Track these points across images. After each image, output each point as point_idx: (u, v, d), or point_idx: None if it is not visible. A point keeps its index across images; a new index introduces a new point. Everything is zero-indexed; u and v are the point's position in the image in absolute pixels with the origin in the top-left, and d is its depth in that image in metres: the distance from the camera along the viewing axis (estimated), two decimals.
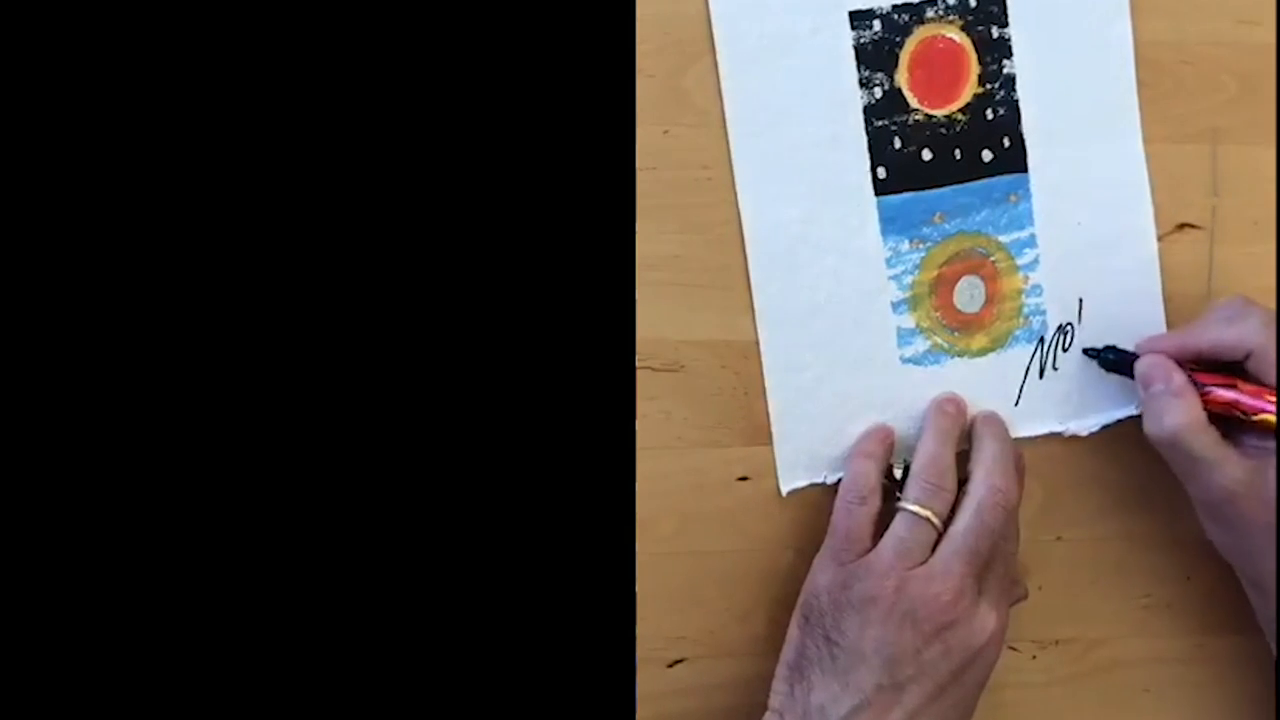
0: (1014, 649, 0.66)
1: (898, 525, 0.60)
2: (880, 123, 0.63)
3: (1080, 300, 0.65)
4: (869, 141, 0.63)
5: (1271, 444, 0.59)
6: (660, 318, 0.61)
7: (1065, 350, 0.66)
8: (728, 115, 0.61)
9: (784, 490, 0.64)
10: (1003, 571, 0.61)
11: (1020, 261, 0.65)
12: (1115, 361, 0.63)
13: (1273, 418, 0.59)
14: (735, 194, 0.61)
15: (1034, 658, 0.67)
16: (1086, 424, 0.66)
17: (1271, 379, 0.59)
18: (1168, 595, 0.67)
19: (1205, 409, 0.59)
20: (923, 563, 0.59)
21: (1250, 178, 0.66)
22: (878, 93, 0.63)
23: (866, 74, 0.62)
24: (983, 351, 0.65)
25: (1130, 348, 0.64)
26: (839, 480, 0.64)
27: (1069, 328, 0.66)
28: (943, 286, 0.65)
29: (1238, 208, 0.65)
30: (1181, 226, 0.65)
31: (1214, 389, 0.60)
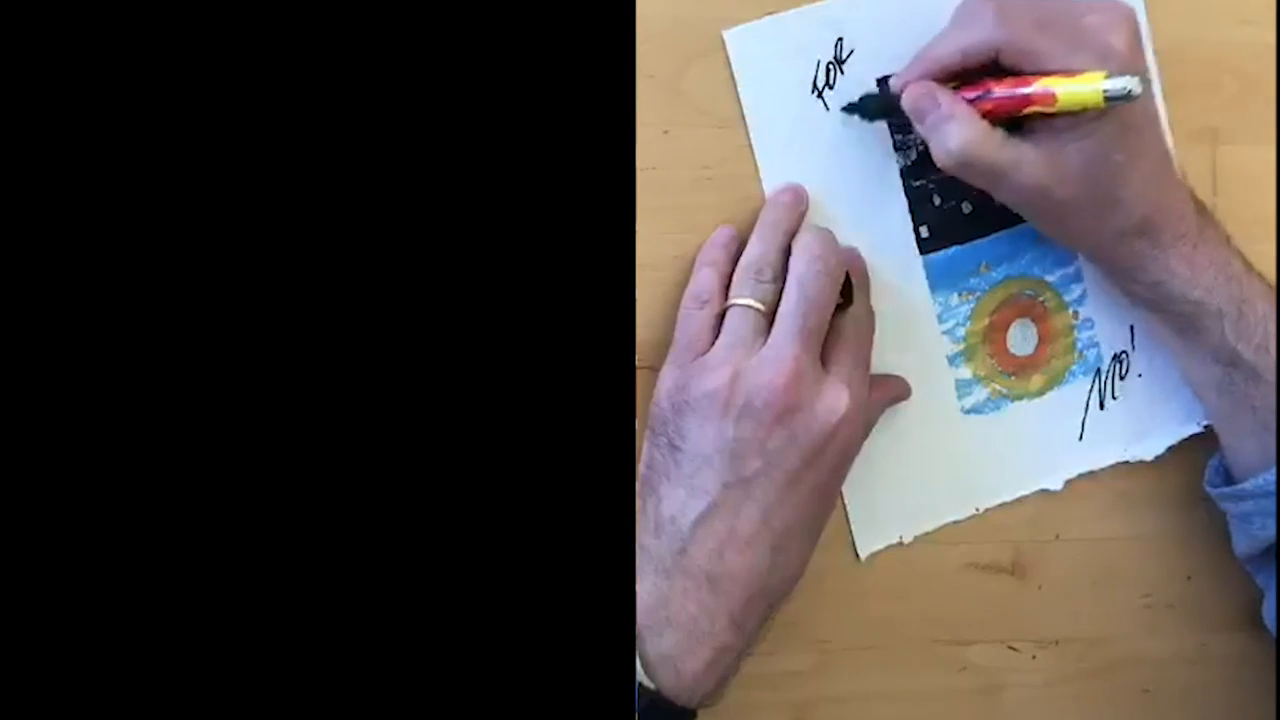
0: (1014, 649, 0.67)
1: (727, 321, 0.58)
2: (918, 183, 0.63)
3: (1132, 328, 0.66)
4: (909, 202, 0.63)
5: (1059, 123, 0.56)
6: (660, 318, 0.61)
7: (1123, 379, 0.66)
8: (764, 184, 0.62)
9: (863, 555, 0.65)
10: (856, 346, 0.59)
11: (1068, 298, 0.65)
12: (878, 106, 0.61)
13: (1046, 106, 0.56)
14: (735, 194, 0.61)
15: (1034, 658, 0.67)
16: (1151, 448, 0.66)
17: (1023, 65, 0.56)
18: (1168, 595, 0.67)
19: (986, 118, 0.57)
20: (755, 350, 0.57)
21: (1250, 178, 0.66)
22: (913, 154, 0.63)
23: (899, 137, 0.62)
24: (1041, 391, 0.66)
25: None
26: (915, 539, 0.64)
27: (1124, 356, 0.66)
28: (995, 333, 0.65)
29: (1238, 208, 0.65)
30: None
31: (978, 100, 0.57)
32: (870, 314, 0.61)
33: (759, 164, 0.61)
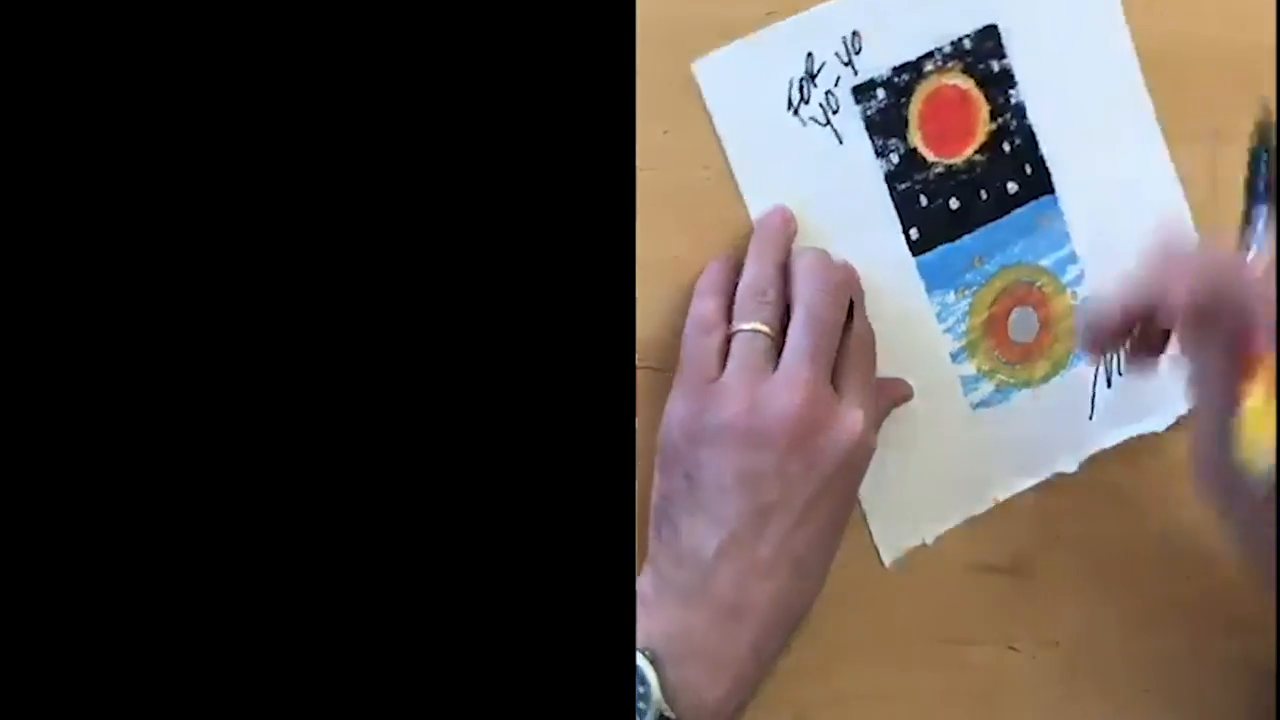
0: (1014, 649, 0.66)
1: (735, 348, 0.58)
2: (903, 186, 0.63)
3: None
4: (896, 207, 0.63)
5: None
6: (660, 318, 0.61)
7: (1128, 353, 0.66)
8: (750, 209, 0.61)
9: (888, 562, 0.65)
10: (863, 365, 0.59)
11: (1066, 280, 0.65)
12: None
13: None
14: (735, 194, 0.61)
15: (1034, 658, 0.67)
16: (1162, 419, 0.66)
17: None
18: (1168, 595, 0.67)
19: None
20: (767, 377, 0.57)
21: None
22: (895, 158, 0.63)
23: (880, 143, 0.62)
24: (1048, 376, 0.66)
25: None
26: (938, 539, 0.65)
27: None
28: (996, 325, 0.65)
29: (1238, 208, 0.65)
30: None
31: None
32: (870, 330, 0.61)
33: (742, 190, 0.61)
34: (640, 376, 0.61)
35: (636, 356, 0.61)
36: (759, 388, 0.57)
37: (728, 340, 0.59)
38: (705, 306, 0.60)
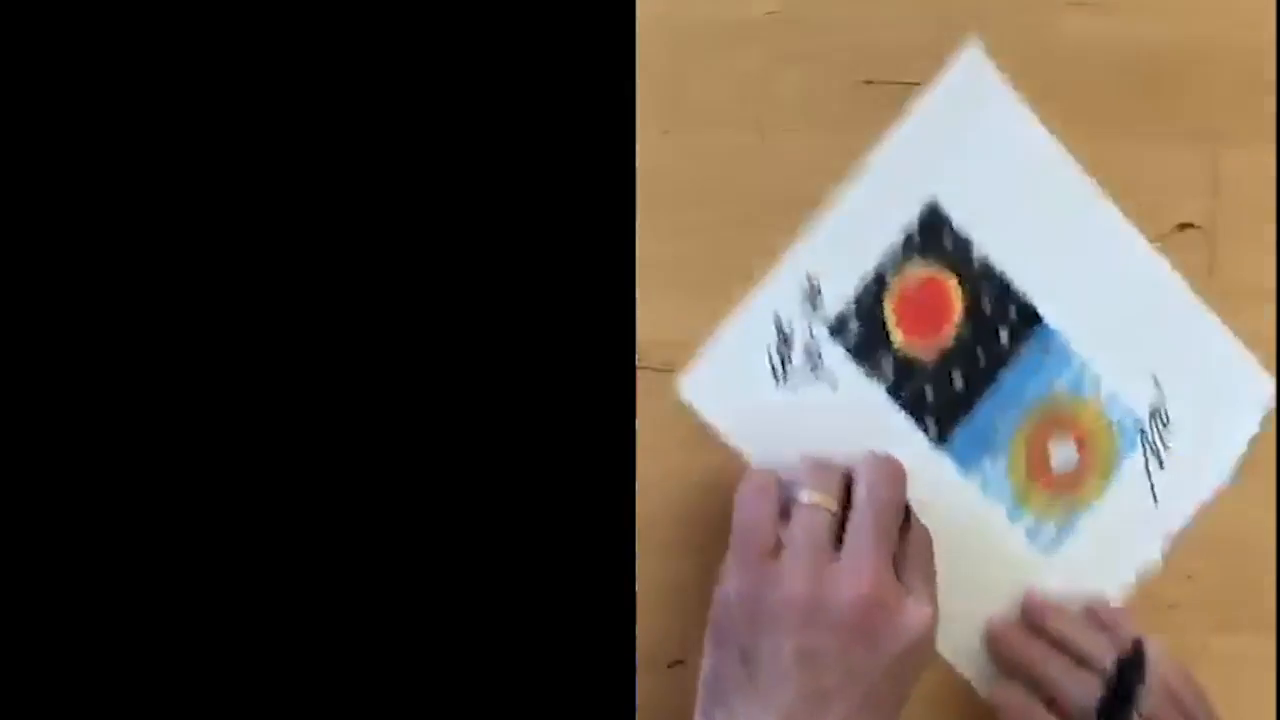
0: None
1: (796, 523, 0.57)
2: (905, 392, 0.63)
3: (1154, 376, 0.65)
4: (907, 412, 0.63)
5: None
6: (660, 318, 0.61)
7: (1166, 426, 0.65)
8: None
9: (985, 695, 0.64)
10: (928, 562, 0.59)
11: (1086, 392, 0.64)
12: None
13: None
14: (734, 194, 0.61)
15: None
16: (1222, 470, 0.66)
17: None
18: (1168, 595, 0.67)
19: None
20: (831, 557, 0.56)
21: (1250, 178, 0.66)
22: (889, 370, 0.62)
23: (870, 365, 0.62)
24: (1102, 489, 0.65)
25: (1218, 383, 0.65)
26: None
27: (1160, 409, 0.65)
28: (1037, 467, 0.64)
29: (1238, 208, 0.65)
30: (1182, 226, 0.65)
31: None
32: (926, 530, 0.60)
33: (742, 456, 0.62)
34: (640, 376, 0.61)
35: (636, 356, 0.61)
36: (824, 569, 0.56)
37: (784, 507, 0.58)
38: (761, 473, 0.59)
